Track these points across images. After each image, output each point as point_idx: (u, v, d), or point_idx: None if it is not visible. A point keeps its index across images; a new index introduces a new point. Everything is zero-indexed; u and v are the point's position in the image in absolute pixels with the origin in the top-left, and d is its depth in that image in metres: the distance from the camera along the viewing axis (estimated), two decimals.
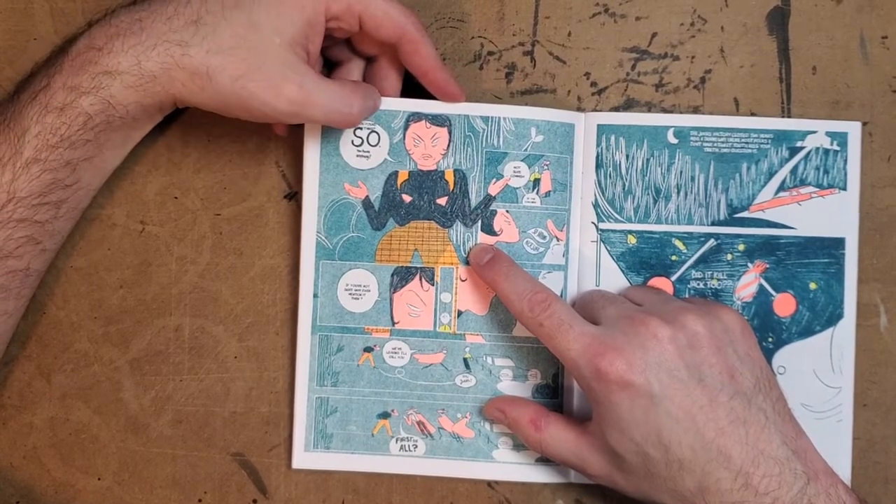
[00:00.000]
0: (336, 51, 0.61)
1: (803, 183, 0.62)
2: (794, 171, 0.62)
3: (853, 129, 0.63)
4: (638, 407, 0.52)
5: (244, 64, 0.54)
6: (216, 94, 0.55)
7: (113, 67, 0.54)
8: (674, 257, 0.62)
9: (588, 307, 0.59)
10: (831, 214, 0.62)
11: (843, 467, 0.61)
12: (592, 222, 0.62)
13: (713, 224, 0.62)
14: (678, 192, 0.62)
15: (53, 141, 0.54)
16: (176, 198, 0.64)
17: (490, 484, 0.63)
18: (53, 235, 0.58)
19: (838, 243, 0.62)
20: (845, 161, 0.62)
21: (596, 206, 0.62)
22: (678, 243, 0.62)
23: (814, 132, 0.62)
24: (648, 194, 0.62)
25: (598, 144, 0.62)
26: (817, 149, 0.62)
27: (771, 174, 0.62)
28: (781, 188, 0.62)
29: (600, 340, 0.54)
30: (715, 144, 0.62)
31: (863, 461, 0.62)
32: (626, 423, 0.53)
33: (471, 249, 0.62)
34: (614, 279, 0.62)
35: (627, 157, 0.62)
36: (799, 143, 0.62)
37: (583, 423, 0.58)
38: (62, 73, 0.54)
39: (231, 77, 0.54)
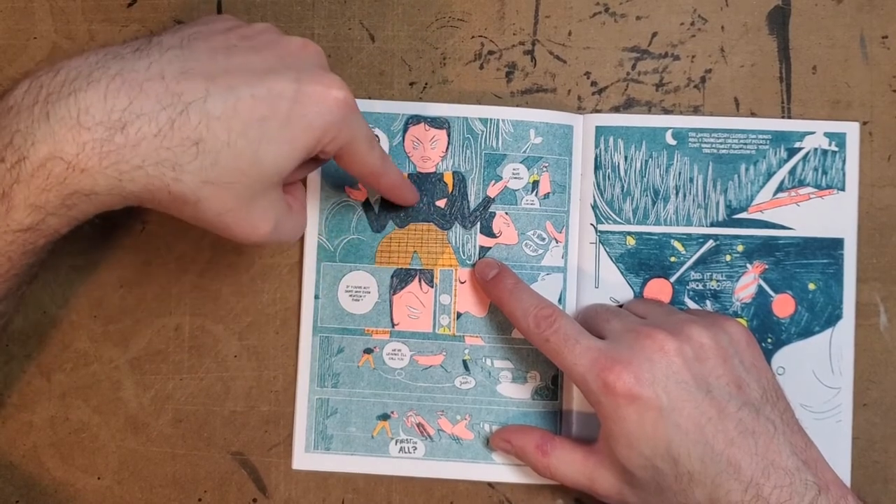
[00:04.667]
0: None
1: (802, 184, 0.62)
2: (792, 171, 0.62)
3: (851, 130, 0.63)
4: (647, 420, 0.52)
5: (233, 200, 0.48)
6: (192, 218, 0.49)
7: (88, 189, 0.45)
8: (673, 258, 0.62)
9: (591, 321, 0.59)
10: (830, 215, 0.62)
11: (843, 467, 0.62)
12: (591, 224, 0.62)
13: (712, 225, 0.62)
14: (677, 194, 0.62)
15: (15, 256, 0.47)
16: None
17: (490, 483, 0.63)
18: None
19: (837, 244, 0.62)
20: (844, 161, 0.62)
21: (595, 207, 0.62)
22: (677, 244, 0.62)
23: (812, 133, 0.63)
24: (647, 196, 0.62)
25: (597, 146, 0.62)
26: (815, 149, 0.62)
27: (769, 175, 0.62)
28: (780, 189, 0.62)
29: (607, 355, 0.53)
30: (713, 145, 0.62)
31: (862, 461, 0.62)
32: (635, 437, 0.52)
33: (475, 263, 0.62)
34: (613, 281, 0.62)
35: (626, 158, 0.62)
36: (797, 144, 0.62)
37: (589, 443, 0.58)
38: (22, 187, 0.44)
39: (216, 211, 0.48)
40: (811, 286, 0.62)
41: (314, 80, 0.49)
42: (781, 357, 0.62)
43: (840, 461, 0.62)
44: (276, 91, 0.47)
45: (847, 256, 0.62)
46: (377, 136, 0.62)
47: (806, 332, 0.62)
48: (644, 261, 0.62)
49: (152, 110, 0.45)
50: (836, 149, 0.63)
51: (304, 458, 0.63)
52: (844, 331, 0.62)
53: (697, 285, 0.62)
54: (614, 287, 0.62)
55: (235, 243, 0.60)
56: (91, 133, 0.44)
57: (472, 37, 0.64)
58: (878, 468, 0.62)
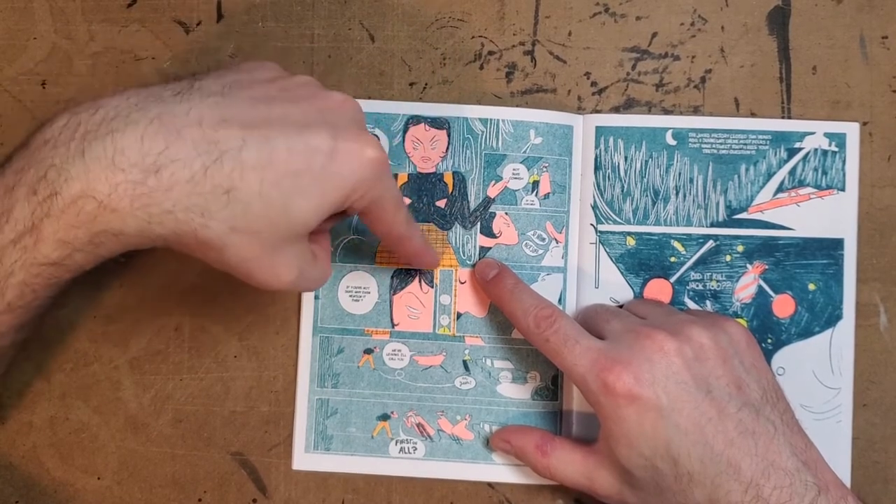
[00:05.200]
0: None
1: (802, 184, 0.62)
2: (792, 172, 0.62)
3: (851, 130, 0.63)
4: (646, 420, 0.52)
5: (259, 248, 0.47)
6: (216, 262, 0.48)
7: (117, 229, 0.45)
8: (673, 259, 0.62)
9: (591, 321, 0.59)
10: (830, 215, 0.62)
11: (843, 467, 0.62)
12: (591, 224, 0.62)
13: (712, 225, 0.62)
14: (677, 194, 0.62)
15: (40, 286, 0.48)
16: None
17: (490, 484, 0.63)
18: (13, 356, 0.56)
19: (837, 244, 0.62)
20: (843, 162, 0.62)
21: (595, 207, 0.62)
22: (677, 245, 0.62)
23: (812, 133, 0.63)
24: (647, 196, 0.62)
25: (597, 146, 0.62)
26: (815, 150, 0.62)
27: (769, 175, 0.62)
28: (780, 189, 0.62)
29: (607, 355, 0.53)
30: (713, 146, 0.62)
31: (862, 461, 0.62)
32: (635, 437, 0.52)
33: (475, 263, 0.62)
34: (613, 281, 0.62)
35: (626, 158, 0.62)
36: (797, 145, 0.62)
37: (589, 443, 0.58)
38: (52, 221, 0.45)
39: (241, 258, 0.47)
40: (811, 286, 0.62)
41: (350, 138, 0.48)
42: (781, 357, 0.62)
43: (840, 461, 0.61)
44: (312, 145, 0.47)
45: (847, 257, 0.62)
46: (377, 135, 0.62)
47: (806, 333, 0.62)
48: (644, 261, 0.62)
49: (188, 156, 0.45)
50: (836, 149, 0.63)
51: (304, 459, 0.63)
52: (844, 331, 0.62)
53: (697, 285, 0.62)
54: (614, 287, 0.62)
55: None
56: (125, 174, 0.44)
57: (472, 37, 0.64)
58: (878, 468, 0.62)
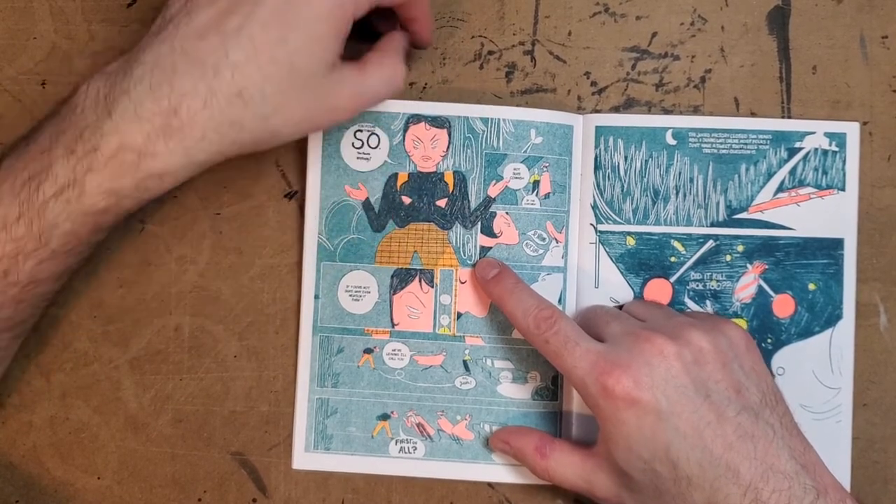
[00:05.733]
0: None
1: (802, 184, 0.62)
2: (792, 171, 0.62)
3: (851, 130, 0.63)
4: (646, 424, 0.52)
5: (301, 109, 0.52)
6: (279, 142, 0.54)
7: (160, 170, 0.51)
8: (673, 258, 0.62)
9: (591, 323, 0.59)
10: (830, 215, 0.62)
11: (843, 468, 0.61)
12: (591, 224, 0.62)
13: (712, 225, 0.62)
14: (677, 194, 0.62)
15: (85, 233, 0.53)
16: (175, 197, 0.64)
17: (490, 484, 0.63)
18: (58, 293, 0.59)
19: (837, 244, 0.62)
20: (844, 162, 0.62)
21: (595, 207, 0.62)
22: (677, 244, 0.62)
23: (812, 133, 0.62)
24: (647, 196, 0.62)
25: (597, 146, 0.62)
26: (816, 150, 0.62)
27: (770, 175, 0.62)
28: (780, 189, 0.62)
29: (606, 358, 0.53)
30: (713, 145, 0.62)
31: (862, 461, 0.62)
32: (634, 441, 0.52)
33: (476, 262, 0.62)
34: (613, 281, 0.62)
35: (626, 158, 0.62)
36: (797, 144, 0.62)
37: (588, 445, 0.58)
38: (96, 174, 0.50)
39: (293, 128, 0.53)
40: (811, 286, 0.62)
41: None
42: (781, 357, 0.62)
43: (840, 462, 0.61)
44: (274, 6, 0.50)
45: (847, 256, 0.62)
46: (377, 135, 0.62)
47: (806, 333, 0.62)
48: (644, 261, 0.62)
49: (192, 85, 0.49)
50: (836, 149, 0.62)
51: (304, 458, 0.63)
52: (844, 331, 0.62)
53: (697, 285, 0.62)
54: (614, 287, 0.62)
55: (237, 235, 0.64)
56: (151, 123, 0.49)
57: (472, 37, 0.64)
58: (878, 468, 0.62)
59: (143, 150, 0.50)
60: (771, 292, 0.62)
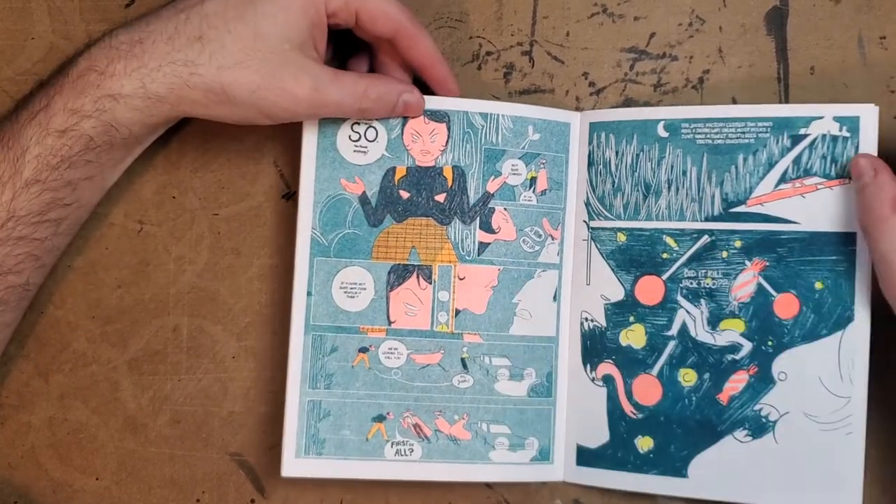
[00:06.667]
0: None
1: (808, 173, 0.59)
2: (797, 160, 0.59)
3: (866, 113, 0.58)
4: None
5: (258, 75, 0.55)
6: (234, 107, 0.56)
7: (116, 91, 0.55)
8: (665, 255, 0.61)
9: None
10: (840, 207, 0.58)
11: (854, 483, 0.57)
12: (584, 220, 0.62)
13: (706, 220, 0.60)
14: (669, 188, 0.61)
15: (54, 162, 0.55)
16: (174, 197, 0.64)
17: (488, 484, 0.63)
18: (52, 251, 0.59)
19: (848, 239, 0.58)
20: (856, 148, 0.58)
21: (587, 204, 0.62)
22: (669, 240, 0.61)
23: (819, 118, 0.58)
24: (638, 191, 0.61)
25: (591, 142, 0.62)
26: (824, 136, 0.58)
27: (771, 165, 0.59)
28: (783, 180, 0.59)
29: None
30: (708, 136, 0.60)
31: (879, 475, 0.60)
32: None
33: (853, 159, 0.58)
34: (604, 278, 0.62)
35: (617, 153, 0.62)
36: (802, 131, 0.59)
37: None
38: (62, 95, 0.55)
39: (248, 90, 0.55)
40: (818, 285, 0.58)
41: None
42: (783, 362, 0.59)
43: (850, 477, 0.57)
44: None
45: (860, 252, 0.58)
46: (375, 128, 0.62)
47: (811, 336, 0.58)
48: (635, 257, 0.61)
49: (164, 25, 0.55)
50: (847, 134, 0.58)
51: (295, 464, 0.60)
52: (856, 334, 0.58)
53: (691, 283, 0.60)
54: (605, 284, 0.62)
55: (235, 236, 0.64)
56: (118, 50, 0.55)
57: (470, 37, 0.64)
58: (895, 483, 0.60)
59: (104, 70, 0.54)
60: (772, 291, 0.59)
